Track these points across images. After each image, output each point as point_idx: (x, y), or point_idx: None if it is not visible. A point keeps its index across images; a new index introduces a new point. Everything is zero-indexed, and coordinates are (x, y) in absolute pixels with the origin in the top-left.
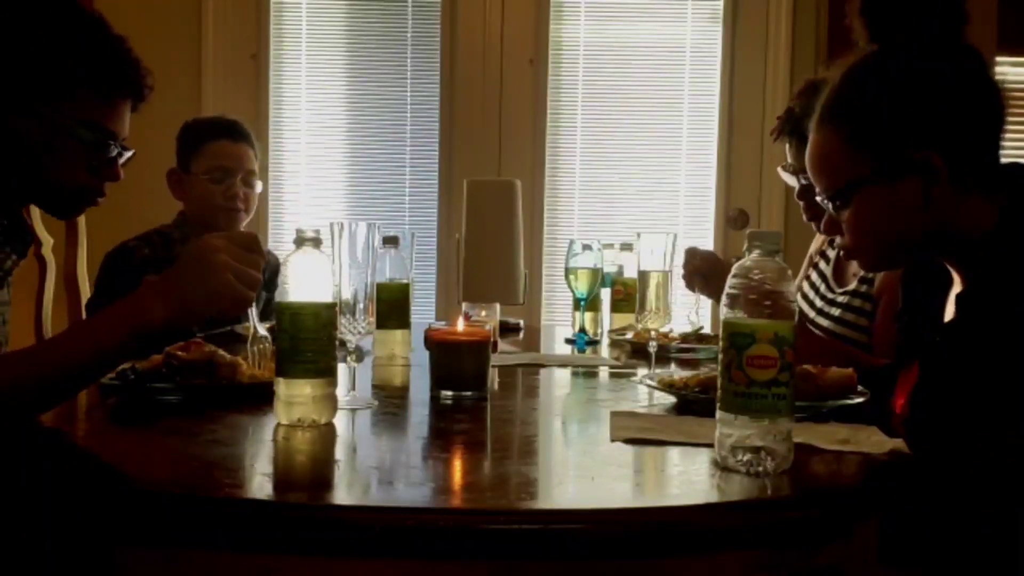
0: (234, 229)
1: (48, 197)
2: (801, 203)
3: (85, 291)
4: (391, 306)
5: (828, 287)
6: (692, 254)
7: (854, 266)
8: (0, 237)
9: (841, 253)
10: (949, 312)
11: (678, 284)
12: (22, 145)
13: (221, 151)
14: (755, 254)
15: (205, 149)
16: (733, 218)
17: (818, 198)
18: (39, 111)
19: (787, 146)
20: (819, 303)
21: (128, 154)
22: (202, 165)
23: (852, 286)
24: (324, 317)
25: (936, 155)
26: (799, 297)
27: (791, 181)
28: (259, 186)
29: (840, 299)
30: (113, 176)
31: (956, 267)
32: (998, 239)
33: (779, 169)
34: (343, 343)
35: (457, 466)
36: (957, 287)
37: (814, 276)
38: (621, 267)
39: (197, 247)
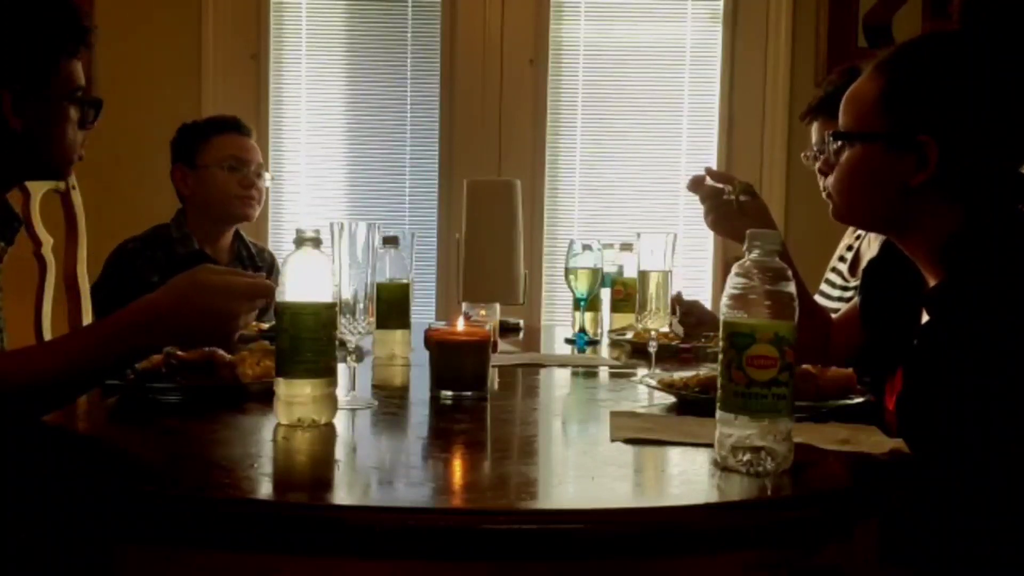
0: (247, 217)
1: (47, 170)
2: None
3: (85, 291)
4: (391, 306)
5: (844, 280)
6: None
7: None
8: None
9: (824, 195)
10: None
11: (677, 285)
12: (24, 132)
13: (233, 143)
14: (755, 254)
15: (215, 141)
16: None
17: (826, 136)
18: (41, 95)
19: (813, 127)
20: (836, 294)
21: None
22: (214, 156)
23: None
24: (324, 317)
25: (936, 147)
26: (818, 298)
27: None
28: (267, 179)
29: (853, 283)
30: (89, 126)
31: (928, 267)
32: (967, 239)
33: (802, 156)
34: (343, 343)
35: (457, 466)
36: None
37: (832, 276)
38: (621, 267)
39: (213, 291)
